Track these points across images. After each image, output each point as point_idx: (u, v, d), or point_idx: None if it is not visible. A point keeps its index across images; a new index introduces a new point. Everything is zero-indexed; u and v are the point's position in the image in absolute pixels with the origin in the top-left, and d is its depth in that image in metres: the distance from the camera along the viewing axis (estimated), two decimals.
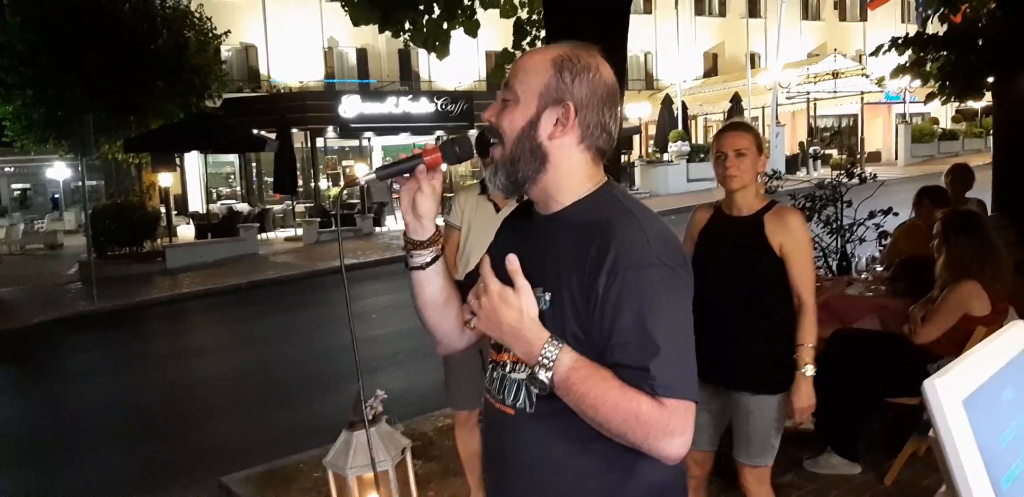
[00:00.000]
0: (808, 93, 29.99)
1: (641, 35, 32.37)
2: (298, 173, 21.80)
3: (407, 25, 7.08)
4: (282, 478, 4.59)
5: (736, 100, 27.68)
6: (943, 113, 37.76)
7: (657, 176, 26.12)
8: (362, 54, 29.41)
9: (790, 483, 3.95)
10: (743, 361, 2.77)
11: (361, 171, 24.30)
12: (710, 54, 37.16)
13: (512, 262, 1.34)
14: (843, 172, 6.86)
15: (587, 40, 1.49)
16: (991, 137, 9.07)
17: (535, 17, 7.55)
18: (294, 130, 20.59)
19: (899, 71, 10.02)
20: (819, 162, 29.42)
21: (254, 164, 26.65)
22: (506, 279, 1.43)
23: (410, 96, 24.26)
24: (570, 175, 1.45)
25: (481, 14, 7.30)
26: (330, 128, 23.60)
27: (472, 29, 7.23)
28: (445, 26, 7.13)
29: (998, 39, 8.31)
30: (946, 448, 0.93)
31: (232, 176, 29.11)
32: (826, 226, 6.50)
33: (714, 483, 3.53)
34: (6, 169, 29.82)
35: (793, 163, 28.22)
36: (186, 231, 20.04)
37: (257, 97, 25.13)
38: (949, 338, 3.84)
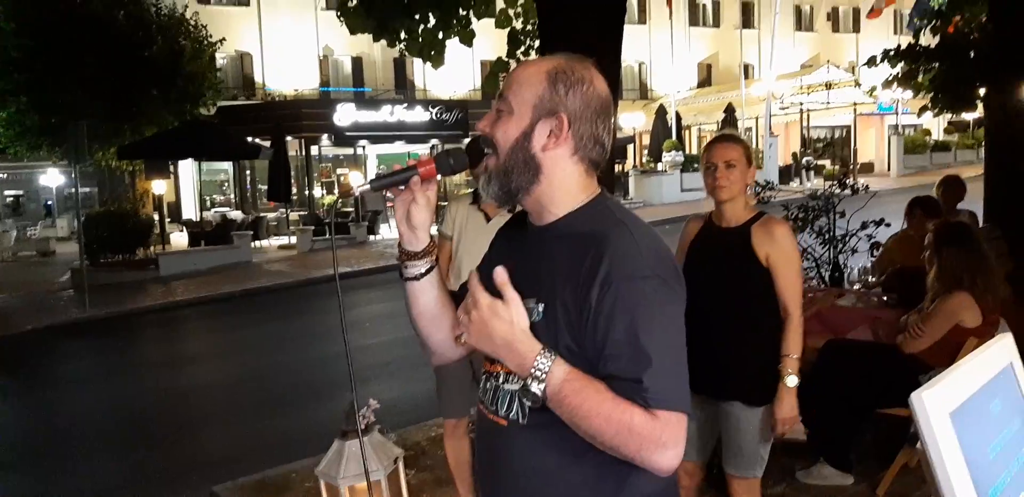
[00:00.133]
0: (801, 104, 30.09)
1: (635, 45, 32.49)
2: (292, 181, 21.80)
3: (403, 34, 7.11)
4: (274, 487, 4.57)
5: (730, 110, 27.78)
6: (935, 124, 37.94)
7: (651, 186, 26.17)
8: (357, 62, 29.47)
9: (783, 494, 3.95)
10: (732, 371, 2.78)
11: (356, 179, 24.28)
12: (704, 64, 37.32)
13: (500, 274, 1.34)
14: (836, 183, 6.89)
15: (581, 48, 1.50)
16: (983, 149, 9.11)
17: (529, 27, 7.58)
18: (289, 138, 20.58)
19: (891, 82, 10.09)
20: (812, 173, 29.50)
21: (248, 172, 26.63)
22: (494, 289, 1.44)
23: (405, 105, 24.30)
24: (563, 186, 1.46)
25: (476, 24, 7.34)
26: (325, 136, 23.61)
27: (467, 39, 7.27)
28: (440, 35, 7.16)
29: (989, 51, 8.37)
30: (933, 460, 0.94)
31: (226, 184, 29.08)
32: (819, 237, 6.53)
33: (707, 494, 3.54)
34: None
35: (786, 174, 28.30)
36: (179, 239, 19.99)
37: (252, 105, 25.13)
38: (941, 349, 3.85)
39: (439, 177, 1.49)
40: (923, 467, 0.99)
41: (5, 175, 29.63)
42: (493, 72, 7.62)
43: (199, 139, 16.27)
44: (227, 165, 26.84)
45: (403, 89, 29.72)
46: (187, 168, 24.83)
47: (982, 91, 8.89)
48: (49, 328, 11.18)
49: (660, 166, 27.00)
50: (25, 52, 16.60)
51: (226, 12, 26.91)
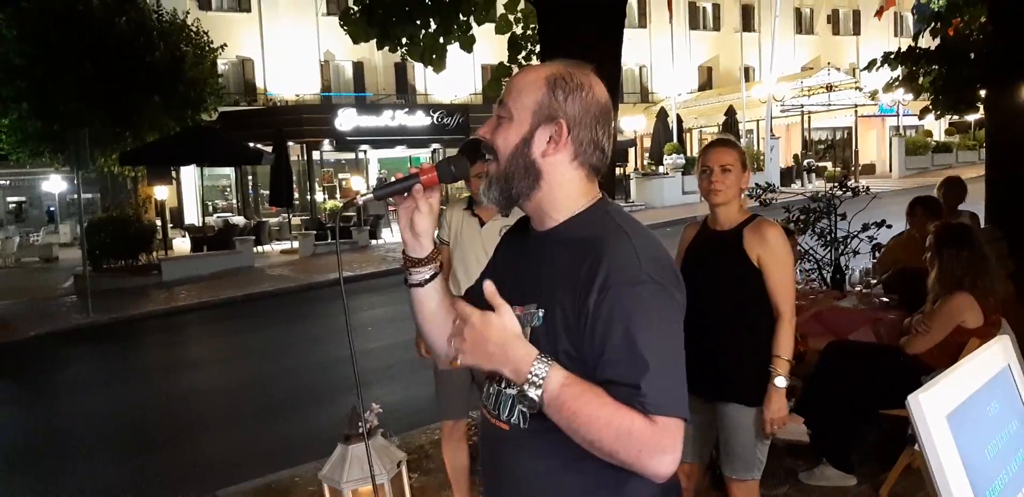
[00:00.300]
0: (802, 106, 30.11)
1: (636, 49, 32.54)
2: (294, 186, 21.83)
3: (404, 40, 7.13)
4: (277, 491, 4.58)
5: (731, 113, 27.79)
6: (937, 126, 37.91)
7: (652, 188, 26.18)
8: (358, 67, 29.53)
9: (786, 495, 3.95)
10: (727, 373, 2.81)
11: (357, 184, 24.36)
12: (705, 68, 37.35)
13: (488, 286, 1.35)
14: (837, 185, 6.89)
15: (581, 51, 1.52)
16: (984, 150, 9.11)
17: (530, 32, 7.60)
18: (290, 143, 20.63)
19: (892, 85, 10.09)
20: (813, 175, 29.49)
21: (250, 177, 26.67)
22: (506, 296, 1.45)
23: (406, 109, 24.34)
24: (564, 192, 1.47)
25: (476, 29, 7.35)
26: (326, 141, 23.65)
27: (468, 44, 7.28)
28: (441, 40, 7.18)
29: (989, 53, 8.37)
30: (930, 462, 0.94)
31: (228, 189, 29.13)
32: (820, 238, 6.53)
33: (709, 496, 3.54)
34: (1, 182, 29.83)
35: (787, 176, 28.27)
36: (182, 244, 20.01)
37: (253, 110, 25.19)
38: (943, 350, 3.86)
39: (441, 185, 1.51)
40: (921, 469, 1.00)
41: (8, 182, 29.72)
42: (495, 78, 7.63)
43: (201, 145, 16.31)
44: (229, 170, 26.89)
45: (404, 94, 29.78)
46: (189, 174, 24.89)
47: (983, 93, 8.90)
48: (52, 334, 11.20)
49: (661, 169, 27.00)
50: (27, 59, 16.68)
51: (227, 18, 26.98)
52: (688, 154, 27.91)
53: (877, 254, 6.03)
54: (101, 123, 16.20)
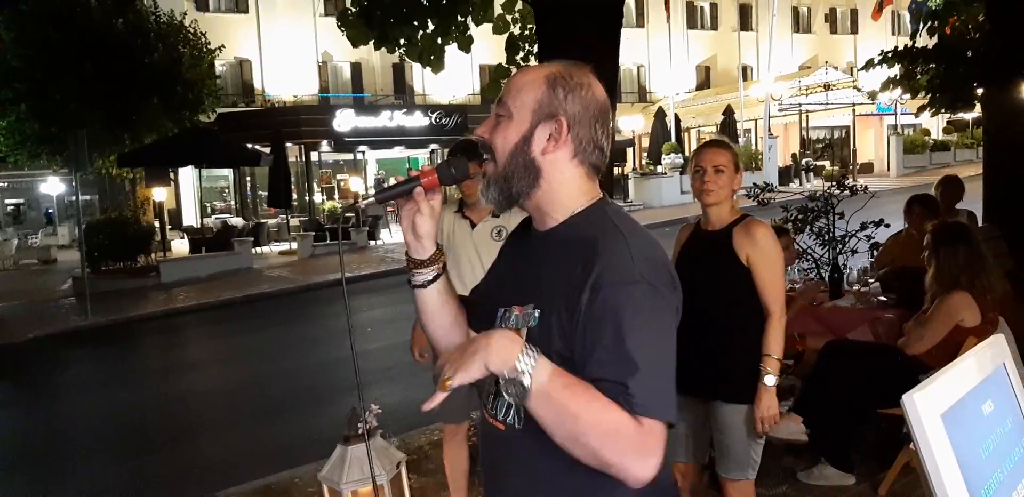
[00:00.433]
0: (800, 105, 30.13)
1: (634, 48, 32.56)
2: (292, 187, 21.83)
3: (402, 41, 7.13)
4: (276, 493, 4.59)
5: (729, 112, 27.80)
6: (934, 124, 37.97)
7: (651, 188, 26.19)
8: (356, 68, 29.53)
9: (784, 494, 3.96)
10: (720, 372, 2.83)
11: (356, 185, 24.36)
12: (702, 67, 37.37)
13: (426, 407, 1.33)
14: (835, 184, 6.89)
15: (579, 51, 1.53)
16: (982, 148, 9.11)
17: (527, 33, 7.60)
18: (288, 144, 20.63)
19: (889, 84, 10.10)
20: (811, 174, 29.50)
21: (248, 178, 26.68)
22: (500, 295, 1.48)
23: (404, 110, 24.34)
24: (563, 190, 1.47)
25: (474, 29, 7.36)
26: (324, 142, 23.65)
27: (466, 45, 7.28)
28: (439, 41, 7.18)
29: (987, 51, 8.38)
30: (925, 461, 0.95)
31: (226, 190, 29.13)
32: (818, 238, 6.53)
33: (707, 495, 3.55)
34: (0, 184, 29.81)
35: (786, 175, 28.28)
36: (180, 245, 20.02)
37: (251, 111, 25.20)
38: (940, 349, 3.86)
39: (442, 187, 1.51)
40: (917, 468, 1.01)
41: (6, 184, 29.71)
42: (494, 79, 7.64)
43: (199, 146, 16.32)
44: (227, 172, 26.89)
45: (402, 94, 29.79)
46: (187, 175, 24.88)
47: (980, 91, 8.91)
48: (51, 336, 11.20)
49: (659, 169, 27.01)
50: (25, 61, 16.66)
51: (225, 19, 26.99)
52: (686, 154, 27.92)
53: (875, 253, 6.03)
54: (99, 125, 16.19)
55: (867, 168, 35.50)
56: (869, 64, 9.43)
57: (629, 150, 30.68)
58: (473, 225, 3.53)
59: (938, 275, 3.93)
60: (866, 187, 7.07)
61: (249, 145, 19.57)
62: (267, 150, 19.08)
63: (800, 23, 39.53)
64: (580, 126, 1.45)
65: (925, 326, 3.91)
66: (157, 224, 18.50)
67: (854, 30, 40.15)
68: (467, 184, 3.34)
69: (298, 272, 16.08)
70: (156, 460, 5.99)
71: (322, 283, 14.29)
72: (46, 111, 16.64)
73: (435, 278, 1.56)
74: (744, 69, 36.37)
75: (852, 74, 31.01)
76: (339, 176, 28.95)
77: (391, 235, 21.06)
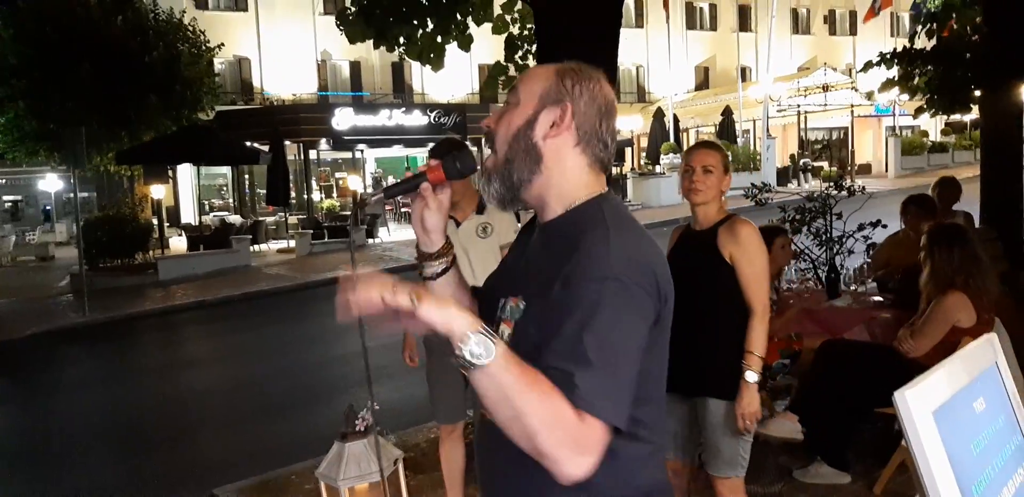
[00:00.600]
0: (798, 106, 30.15)
1: (633, 49, 32.56)
2: (291, 185, 21.82)
3: (401, 40, 7.14)
4: (274, 490, 4.60)
5: (727, 113, 27.83)
6: (933, 126, 38.00)
7: (649, 188, 26.20)
8: (355, 67, 29.52)
9: (780, 493, 3.98)
10: (704, 368, 2.88)
11: (354, 183, 24.35)
12: (701, 67, 37.39)
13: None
14: (832, 185, 6.92)
15: (577, 52, 1.55)
16: (980, 150, 9.14)
17: (526, 32, 7.61)
18: (287, 142, 20.63)
19: (887, 85, 10.13)
20: (809, 174, 29.52)
21: (247, 176, 26.66)
22: (502, 286, 1.49)
23: (403, 108, 24.33)
24: (564, 180, 1.47)
25: (474, 28, 7.37)
26: (323, 140, 23.64)
27: (465, 44, 7.29)
28: (439, 40, 7.19)
29: (985, 54, 8.41)
30: (916, 457, 0.96)
31: (225, 188, 29.12)
32: (815, 238, 6.56)
33: (702, 494, 3.56)
34: None
35: (784, 175, 28.31)
36: (178, 243, 20.01)
37: (250, 109, 25.17)
38: (936, 349, 3.88)
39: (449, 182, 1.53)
40: (909, 465, 1.02)
41: (4, 180, 29.67)
42: (492, 76, 7.65)
43: (198, 144, 16.31)
44: (226, 169, 26.88)
45: (401, 93, 29.78)
46: (186, 173, 24.87)
47: (978, 93, 8.94)
48: (49, 333, 11.20)
49: (658, 169, 27.03)
50: (23, 58, 16.64)
51: (224, 17, 26.97)
52: None
53: (871, 252, 6.06)
54: (98, 123, 16.17)
55: (865, 169, 35.53)
56: (868, 66, 9.46)
57: (628, 150, 30.70)
58: (458, 224, 3.58)
59: (933, 276, 3.95)
60: (863, 188, 7.10)
61: (248, 143, 19.57)
62: (266, 148, 19.08)
63: (799, 24, 39.55)
64: (585, 116, 1.46)
65: (923, 328, 3.93)
66: (155, 221, 18.48)
67: (853, 32, 40.18)
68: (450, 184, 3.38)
69: (296, 270, 16.08)
70: (154, 458, 6.00)
71: (320, 281, 14.29)
72: (44, 108, 16.62)
73: (444, 270, 1.58)
74: (743, 70, 36.40)
75: (851, 75, 31.06)
76: (337, 174, 28.94)
77: (389, 234, 21.08)
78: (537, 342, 1.31)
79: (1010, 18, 7.74)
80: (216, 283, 14.67)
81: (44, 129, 16.84)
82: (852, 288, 5.53)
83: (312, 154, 25.20)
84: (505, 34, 7.67)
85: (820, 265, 6.37)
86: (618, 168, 26.86)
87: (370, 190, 24.48)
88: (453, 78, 27.14)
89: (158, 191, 18.06)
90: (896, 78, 9.84)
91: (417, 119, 23.80)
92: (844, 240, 6.47)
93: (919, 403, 0.98)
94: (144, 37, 17.84)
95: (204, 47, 19.56)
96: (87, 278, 12.83)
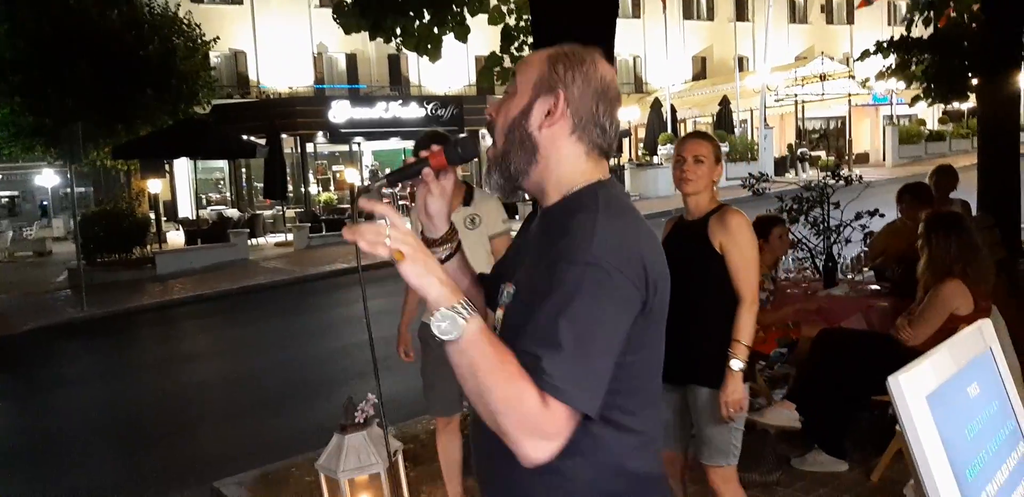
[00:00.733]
0: (796, 96, 30.13)
1: (630, 39, 32.50)
2: (288, 178, 21.78)
3: (397, 31, 7.12)
4: (275, 482, 4.61)
5: (725, 103, 27.79)
6: (930, 114, 37.96)
7: (647, 179, 26.18)
8: (352, 59, 29.44)
9: (778, 481, 3.99)
10: (696, 356, 2.88)
11: (351, 176, 24.31)
12: (699, 58, 37.31)
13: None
14: (830, 174, 6.92)
15: (574, 41, 1.53)
16: (977, 138, 9.14)
17: (523, 23, 7.59)
18: (284, 136, 20.58)
19: (884, 74, 10.12)
20: (807, 164, 29.52)
21: (244, 170, 26.60)
22: (503, 272, 1.51)
23: (400, 101, 24.27)
24: (561, 167, 1.46)
25: (470, 19, 7.35)
26: (320, 133, 23.58)
27: (462, 35, 7.28)
28: (436, 31, 7.17)
29: (983, 42, 8.40)
30: (911, 442, 0.96)
31: (222, 182, 29.05)
32: (813, 227, 6.56)
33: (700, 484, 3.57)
34: None
35: (781, 165, 28.32)
36: (176, 237, 20.00)
37: (247, 103, 25.11)
38: (934, 337, 3.89)
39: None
40: (903, 450, 1.03)
41: (0, 176, 29.60)
42: (487, 67, 7.64)
43: (194, 138, 16.27)
44: (223, 163, 26.79)
45: (398, 85, 29.71)
46: (183, 167, 24.83)
47: (975, 81, 8.94)
48: (47, 328, 11.20)
49: (655, 159, 27.00)
50: (19, 54, 16.57)
51: (219, 10, 26.86)
52: None
53: (868, 241, 6.06)
54: (94, 117, 16.12)
55: (862, 158, 35.54)
56: (865, 54, 9.45)
57: (625, 141, 30.65)
58: None
59: (931, 264, 3.95)
60: (861, 177, 7.10)
61: (244, 137, 19.50)
62: (262, 142, 19.03)
63: (796, 13, 39.46)
64: (580, 102, 1.45)
65: (921, 316, 3.93)
66: (152, 216, 18.44)
67: (850, 20, 40.07)
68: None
69: (294, 263, 16.08)
70: (153, 452, 6.01)
71: (318, 274, 14.30)
72: (40, 103, 16.56)
73: (449, 256, 1.59)
74: (740, 60, 36.33)
75: (848, 65, 31.01)
76: (335, 167, 28.88)
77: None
78: (521, 325, 1.30)
79: (1007, 6, 7.73)
80: (214, 277, 14.67)
81: (40, 124, 16.78)
82: (849, 277, 5.54)
83: (309, 147, 25.15)
84: (501, 25, 7.65)
85: (817, 254, 6.38)
86: (615, 159, 26.85)
87: (367, 183, 24.42)
88: (450, 70, 27.05)
89: (155, 185, 18.02)
90: (893, 66, 9.83)
91: (414, 111, 23.75)
92: (841, 229, 6.48)
93: (912, 388, 0.98)
94: (140, 31, 17.75)
95: (200, 41, 19.48)
96: (85, 273, 12.82)
